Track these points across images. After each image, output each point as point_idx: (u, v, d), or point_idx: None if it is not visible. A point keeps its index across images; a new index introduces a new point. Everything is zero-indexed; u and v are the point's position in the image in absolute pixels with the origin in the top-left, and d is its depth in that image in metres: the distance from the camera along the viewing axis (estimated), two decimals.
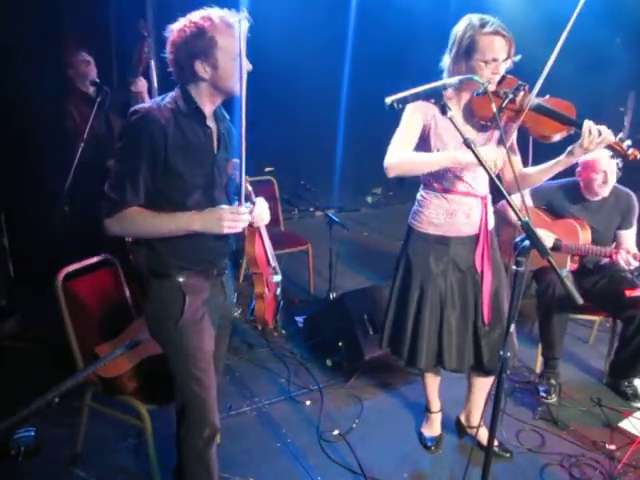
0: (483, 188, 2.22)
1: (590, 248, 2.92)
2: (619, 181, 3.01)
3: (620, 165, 2.30)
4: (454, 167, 2.12)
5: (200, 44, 1.61)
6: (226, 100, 1.79)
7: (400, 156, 2.09)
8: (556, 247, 2.96)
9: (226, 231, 1.66)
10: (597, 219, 3.03)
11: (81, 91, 3.42)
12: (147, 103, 1.71)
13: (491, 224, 2.30)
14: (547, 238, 2.91)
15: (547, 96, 2.05)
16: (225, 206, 1.70)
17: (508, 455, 2.54)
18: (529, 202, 3.14)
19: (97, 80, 3.35)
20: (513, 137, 2.22)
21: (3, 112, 3.53)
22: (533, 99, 2.00)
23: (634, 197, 3.05)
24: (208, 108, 1.74)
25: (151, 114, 1.64)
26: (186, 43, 1.62)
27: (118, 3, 4.16)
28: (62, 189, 3.12)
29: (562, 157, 2.05)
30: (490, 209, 2.28)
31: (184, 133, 1.68)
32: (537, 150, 2.27)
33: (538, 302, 3.06)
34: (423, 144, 2.19)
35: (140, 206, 1.69)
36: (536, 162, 2.27)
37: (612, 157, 2.43)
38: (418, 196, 2.32)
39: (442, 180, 2.20)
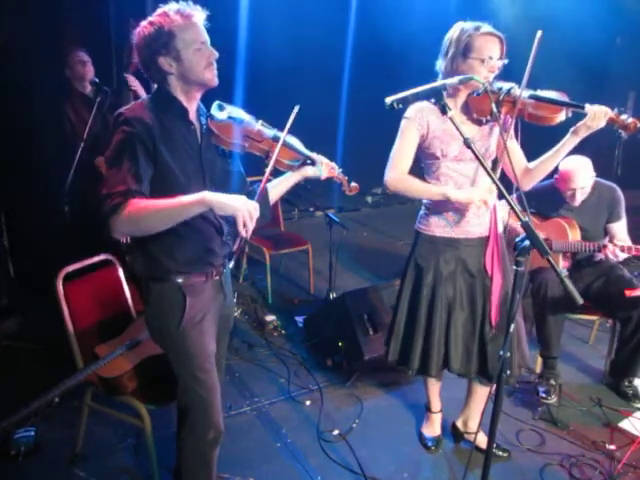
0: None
1: (578, 244, 2.93)
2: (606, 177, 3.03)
3: (624, 137, 2.24)
4: (454, 164, 2.18)
5: (159, 40, 1.64)
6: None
7: (398, 178, 2.20)
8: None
9: (240, 217, 1.57)
10: (583, 218, 3.04)
11: (78, 91, 3.41)
12: (129, 105, 1.71)
13: (500, 226, 2.30)
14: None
15: (538, 89, 2.10)
16: (249, 200, 1.63)
17: (506, 454, 2.54)
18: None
19: (97, 80, 3.34)
20: (512, 132, 2.24)
21: (3, 112, 3.53)
22: (525, 89, 2.06)
23: (618, 190, 3.06)
24: (189, 105, 1.74)
25: (136, 115, 1.64)
26: (147, 43, 1.65)
27: (118, 2, 4.16)
28: (62, 189, 3.11)
29: (567, 137, 2.09)
30: (499, 211, 2.28)
31: (168, 131, 1.68)
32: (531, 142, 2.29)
33: (533, 302, 3.07)
34: (426, 152, 2.23)
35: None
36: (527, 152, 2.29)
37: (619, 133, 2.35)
38: (424, 200, 2.33)
39: (448, 182, 2.21)
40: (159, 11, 1.67)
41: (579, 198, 2.98)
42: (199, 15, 1.69)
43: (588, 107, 1.98)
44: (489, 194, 2.12)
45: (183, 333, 1.79)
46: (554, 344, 3.02)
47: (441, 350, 2.29)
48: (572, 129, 2.07)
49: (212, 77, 1.70)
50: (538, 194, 3.12)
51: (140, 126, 1.62)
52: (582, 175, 2.92)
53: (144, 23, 1.67)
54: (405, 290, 2.38)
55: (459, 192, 2.12)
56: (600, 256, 3.00)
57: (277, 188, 2.01)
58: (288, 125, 1.85)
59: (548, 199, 3.11)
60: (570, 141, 2.09)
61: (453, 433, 2.71)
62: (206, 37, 1.69)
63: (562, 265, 3.06)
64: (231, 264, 1.81)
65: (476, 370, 2.31)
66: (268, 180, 1.87)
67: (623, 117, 1.97)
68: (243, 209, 1.57)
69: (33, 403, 2.14)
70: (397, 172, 2.20)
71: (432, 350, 2.28)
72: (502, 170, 2.22)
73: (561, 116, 2.04)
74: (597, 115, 1.97)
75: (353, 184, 2.08)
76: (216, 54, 1.70)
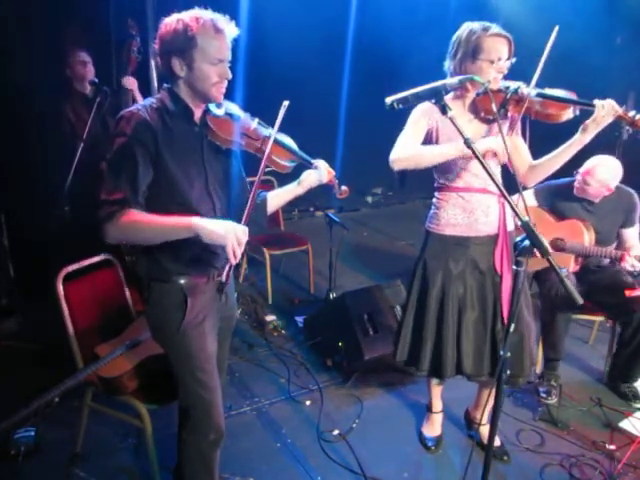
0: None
1: (597, 249, 2.91)
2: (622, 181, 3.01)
3: (630, 132, 2.23)
4: (464, 162, 2.16)
5: (180, 41, 1.61)
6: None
7: (406, 150, 2.13)
8: (559, 247, 2.96)
9: (229, 246, 1.54)
10: (600, 219, 3.02)
11: (78, 92, 3.41)
12: (134, 107, 1.69)
13: (510, 225, 2.30)
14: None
15: (546, 88, 2.10)
16: (238, 225, 1.61)
17: (506, 459, 2.53)
18: (533, 202, 3.13)
19: (96, 80, 3.34)
20: (519, 129, 2.24)
21: (3, 112, 3.53)
22: (534, 88, 2.06)
23: (636, 196, 3.05)
24: (194, 107, 1.73)
25: (139, 117, 1.63)
26: (168, 39, 1.63)
27: (118, 3, 4.15)
28: (62, 189, 3.11)
29: (576, 136, 2.07)
30: (508, 209, 2.28)
31: (172, 133, 1.68)
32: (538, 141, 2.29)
33: (542, 304, 3.05)
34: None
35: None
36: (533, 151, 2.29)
37: (627, 130, 2.29)
38: (434, 200, 2.33)
39: (457, 180, 2.22)
40: (193, 12, 1.64)
41: (604, 192, 2.94)
42: (230, 31, 1.66)
43: (597, 102, 1.97)
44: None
45: (184, 334, 1.79)
46: (561, 346, 3.00)
47: (454, 353, 2.28)
48: (581, 127, 2.04)
49: (217, 95, 1.69)
50: (556, 191, 3.10)
51: (142, 129, 1.61)
52: (604, 172, 2.89)
53: (175, 17, 1.64)
54: (414, 290, 2.37)
55: (481, 141, 2.03)
56: (607, 260, 2.99)
57: (278, 198, 2.00)
58: (278, 121, 1.81)
59: (567, 196, 3.07)
60: (579, 139, 2.06)
61: (465, 420, 2.75)
62: (227, 55, 1.66)
63: (572, 268, 3.03)
64: (222, 298, 1.82)
65: (488, 371, 2.30)
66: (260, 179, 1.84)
67: (631, 114, 1.97)
68: (231, 237, 1.54)
69: (33, 403, 2.14)
70: (404, 148, 2.15)
71: (445, 353, 2.27)
72: (507, 167, 2.22)
73: (568, 114, 2.04)
74: (606, 110, 1.95)
75: (344, 187, 2.06)
76: (229, 75, 1.68)
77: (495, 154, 2.07)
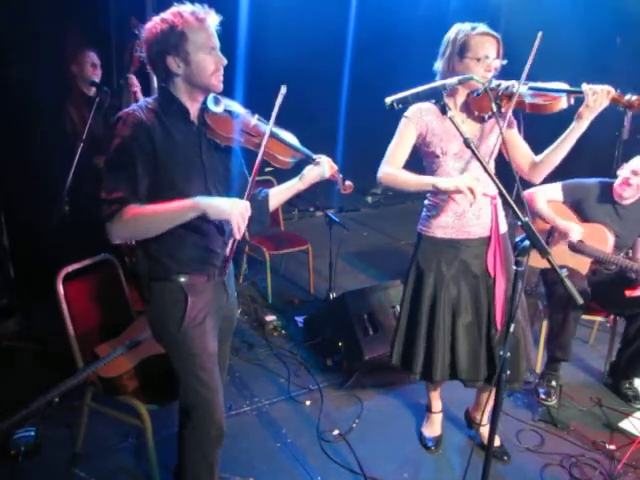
0: (491, 187, 2.20)
1: (621, 260, 2.88)
2: None
3: (630, 115, 2.19)
4: (458, 167, 2.17)
5: (170, 39, 1.63)
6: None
7: (390, 172, 2.19)
8: (578, 249, 2.95)
9: (234, 221, 1.59)
10: (622, 225, 2.96)
11: (81, 92, 3.41)
12: (130, 108, 1.70)
13: (503, 227, 2.28)
14: (578, 233, 2.93)
15: (539, 82, 2.09)
16: (241, 201, 1.66)
17: (506, 459, 2.53)
18: (559, 196, 3.05)
19: (96, 80, 3.34)
20: (515, 126, 2.24)
21: (3, 112, 3.53)
22: (524, 83, 2.04)
23: None
24: (191, 106, 1.73)
25: (136, 118, 1.64)
26: (157, 40, 1.64)
27: (119, 3, 4.15)
28: (62, 189, 3.11)
29: (572, 124, 2.05)
30: (501, 211, 2.27)
31: (169, 133, 1.68)
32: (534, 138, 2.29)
33: (552, 304, 3.02)
34: (426, 150, 2.22)
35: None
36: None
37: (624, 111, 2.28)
38: (425, 202, 2.33)
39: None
40: (173, 10, 1.66)
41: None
42: (212, 19, 1.68)
43: (584, 87, 1.95)
44: (476, 182, 2.01)
45: (185, 333, 1.79)
46: (570, 347, 2.98)
47: (446, 356, 2.27)
48: (576, 115, 2.02)
49: (217, 83, 1.70)
50: (587, 188, 3.02)
51: (139, 130, 1.62)
52: None
53: (156, 19, 1.66)
54: (407, 292, 2.38)
55: (446, 180, 2.05)
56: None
57: (279, 195, 2.01)
58: (276, 109, 1.79)
59: (595, 196, 2.99)
60: (576, 127, 2.04)
61: (466, 419, 2.75)
62: (217, 42, 1.68)
63: (587, 271, 3.00)
64: (224, 297, 1.82)
65: (485, 376, 2.29)
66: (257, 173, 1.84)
67: (627, 97, 1.94)
68: (235, 212, 1.60)
69: (33, 403, 2.14)
70: (389, 167, 2.20)
71: (436, 356, 2.26)
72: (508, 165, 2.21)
73: (562, 103, 2.02)
74: (597, 94, 1.93)
75: (348, 182, 2.07)
76: (224, 61, 1.70)
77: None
